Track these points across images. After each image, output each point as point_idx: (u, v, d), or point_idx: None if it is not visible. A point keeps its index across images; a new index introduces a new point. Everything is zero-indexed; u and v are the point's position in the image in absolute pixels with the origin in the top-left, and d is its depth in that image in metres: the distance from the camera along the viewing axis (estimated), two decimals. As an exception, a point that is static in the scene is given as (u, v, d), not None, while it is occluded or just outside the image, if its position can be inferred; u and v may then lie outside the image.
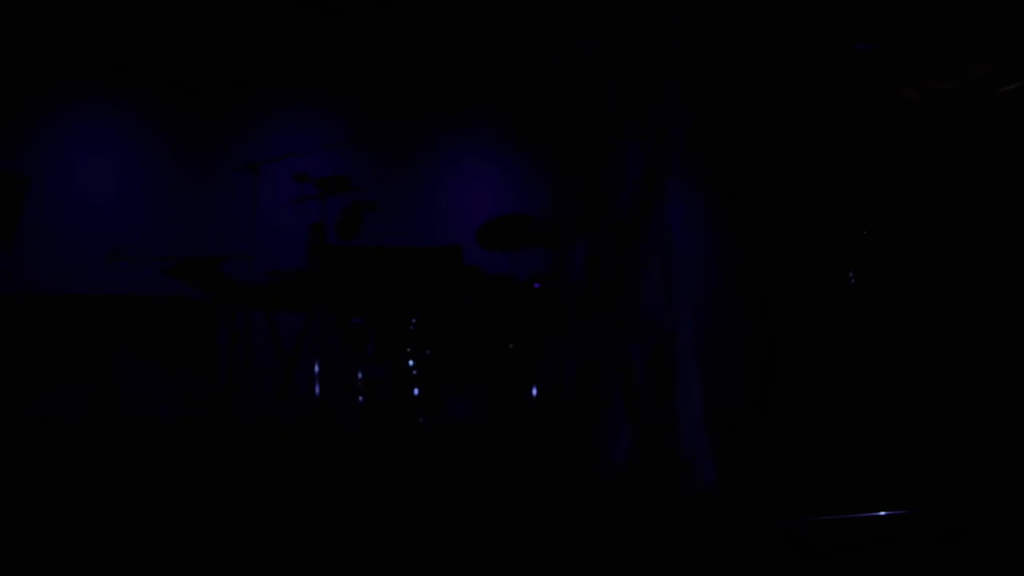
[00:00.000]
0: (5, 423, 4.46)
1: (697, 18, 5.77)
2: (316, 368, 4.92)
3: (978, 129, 6.12)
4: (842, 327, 4.39)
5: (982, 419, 5.24)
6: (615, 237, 3.99)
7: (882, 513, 3.39)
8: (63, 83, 6.06)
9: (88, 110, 6.14)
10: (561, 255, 5.02)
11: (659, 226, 4.19)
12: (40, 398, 4.64)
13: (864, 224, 4.48)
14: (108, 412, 4.59)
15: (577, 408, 4.55)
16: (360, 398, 4.85)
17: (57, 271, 5.68)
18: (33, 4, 5.81)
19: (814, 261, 4.41)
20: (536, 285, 5.05)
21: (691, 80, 6.52)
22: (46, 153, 5.98)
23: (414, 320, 4.98)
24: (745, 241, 6.89)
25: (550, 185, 5.02)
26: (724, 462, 4.16)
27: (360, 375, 4.88)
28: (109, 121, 6.20)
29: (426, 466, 4.36)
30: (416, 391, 4.90)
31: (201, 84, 6.30)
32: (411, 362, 4.92)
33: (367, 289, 4.90)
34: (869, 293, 4.52)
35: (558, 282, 4.89)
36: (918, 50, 6.05)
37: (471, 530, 3.17)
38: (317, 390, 4.93)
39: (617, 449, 3.79)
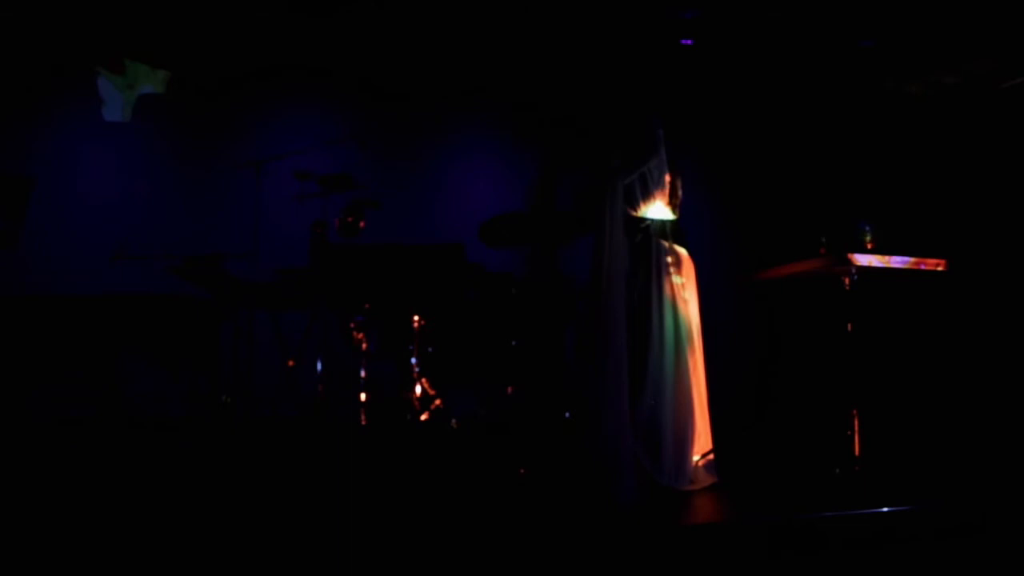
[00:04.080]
0: (13, 422, 4.48)
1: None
2: (319, 366, 4.93)
3: (982, 124, 6.11)
4: (843, 323, 4.38)
5: (982, 419, 5.24)
6: (619, 233, 3.97)
7: (885, 510, 3.39)
8: (66, 83, 6.07)
9: (91, 110, 6.14)
10: (547, 251, 5.02)
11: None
12: (46, 398, 4.65)
13: (866, 219, 4.47)
14: (114, 411, 4.61)
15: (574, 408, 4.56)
16: (363, 396, 4.86)
17: (61, 270, 5.68)
18: (35, 4, 5.81)
19: (816, 256, 4.41)
20: (537, 283, 5.05)
21: (695, 80, 6.53)
22: (50, 153, 5.98)
23: (417, 318, 4.98)
24: (748, 237, 6.89)
25: (537, 179, 5.02)
26: (726, 457, 4.17)
27: (363, 373, 4.89)
28: (119, 119, 6.20)
29: (429, 465, 4.37)
30: (419, 389, 4.91)
31: (204, 82, 6.30)
32: (413, 360, 4.93)
33: (369, 287, 4.90)
34: (871, 288, 4.51)
35: (548, 276, 4.90)
36: (921, 45, 6.04)
37: (471, 529, 3.18)
38: (320, 388, 4.93)
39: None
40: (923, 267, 4.42)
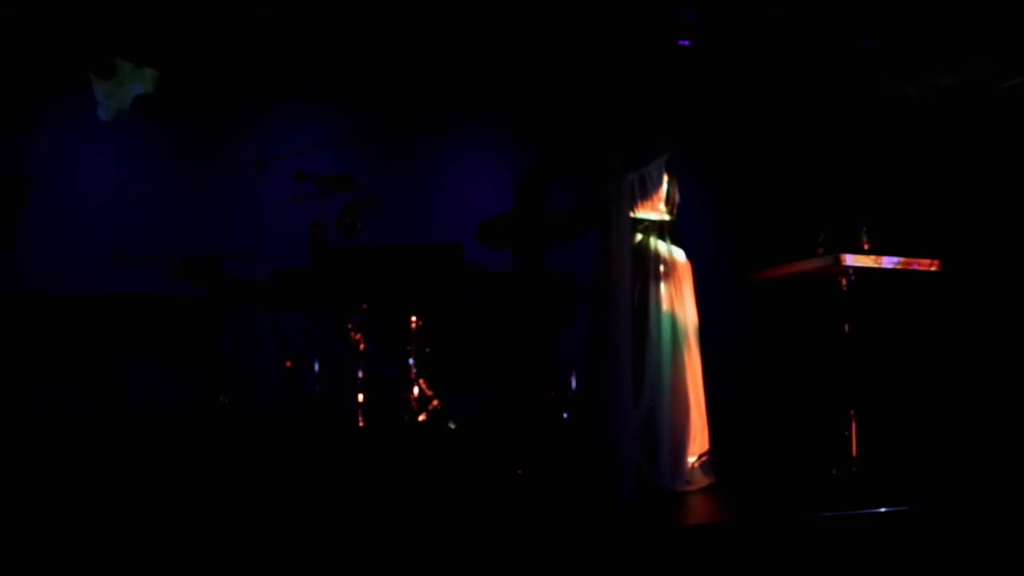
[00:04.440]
0: (13, 422, 4.49)
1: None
2: (317, 366, 4.93)
3: (978, 125, 6.11)
4: (841, 323, 4.39)
5: (979, 419, 5.24)
6: (624, 232, 3.97)
7: (882, 510, 3.40)
8: (66, 82, 6.07)
9: (90, 110, 6.14)
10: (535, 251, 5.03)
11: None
12: (47, 398, 4.66)
13: (864, 220, 4.48)
14: (114, 411, 4.62)
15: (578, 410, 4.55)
16: (361, 396, 4.86)
17: (61, 270, 5.68)
18: (35, 4, 5.81)
19: (814, 257, 4.43)
20: (536, 283, 5.05)
21: (695, 80, 6.53)
22: (49, 152, 5.98)
23: (415, 318, 4.98)
24: (747, 237, 6.89)
25: (524, 180, 5.03)
26: (724, 457, 4.18)
27: (361, 373, 4.89)
28: (111, 120, 6.20)
29: (427, 465, 4.37)
30: (416, 389, 4.91)
31: (203, 82, 6.30)
32: (411, 360, 4.93)
33: (367, 287, 4.91)
34: (869, 289, 4.52)
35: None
36: (918, 46, 6.04)
37: (469, 529, 3.18)
38: (318, 388, 4.94)
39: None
40: (915, 267, 4.43)
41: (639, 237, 4.09)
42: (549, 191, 5.53)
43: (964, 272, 5.08)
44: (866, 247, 4.39)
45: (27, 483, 3.83)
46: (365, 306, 4.95)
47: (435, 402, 4.91)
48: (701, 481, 3.98)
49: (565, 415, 4.71)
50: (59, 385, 4.65)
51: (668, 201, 4.22)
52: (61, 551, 2.86)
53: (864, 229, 4.40)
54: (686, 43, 6.18)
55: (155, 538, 2.99)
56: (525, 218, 4.99)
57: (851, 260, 4.29)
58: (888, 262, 4.37)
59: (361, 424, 4.81)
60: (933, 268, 4.47)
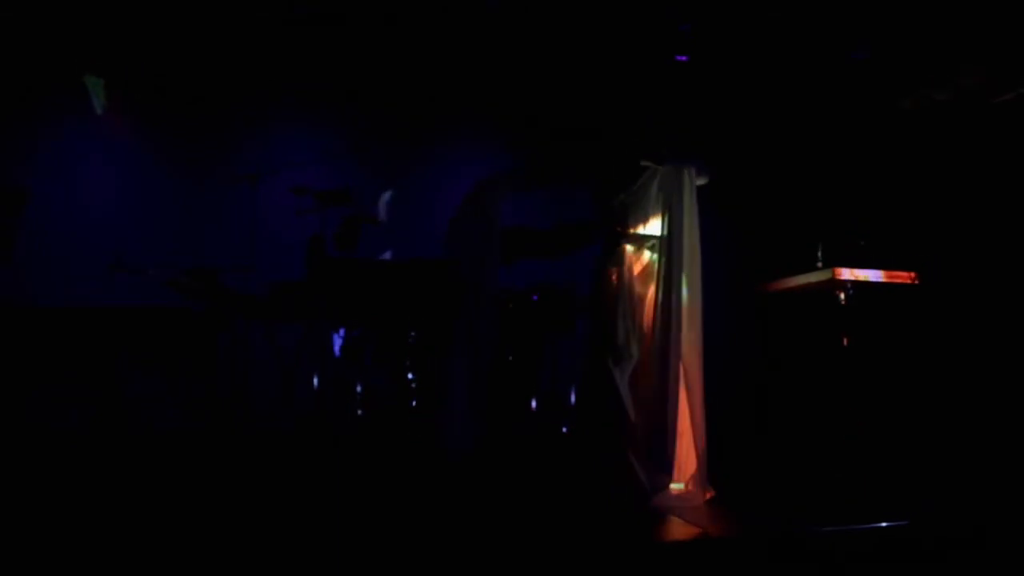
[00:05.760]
0: (13, 430, 4.48)
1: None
2: (315, 380, 4.91)
3: (973, 139, 6.14)
4: (839, 336, 4.40)
5: (979, 430, 5.23)
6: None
7: (883, 524, 3.39)
8: (64, 94, 6.06)
9: (89, 121, 6.13)
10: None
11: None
12: (49, 398, 4.65)
13: (861, 235, 4.50)
14: (114, 423, 4.61)
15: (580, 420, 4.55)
16: (359, 410, 4.84)
17: (58, 278, 5.65)
18: (34, 15, 5.82)
19: (813, 270, 4.44)
20: (535, 297, 5.05)
21: (697, 94, 6.56)
22: (47, 164, 5.98)
23: (413, 332, 4.97)
24: (747, 250, 6.89)
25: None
26: (724, 469, 4.17)
27: (359, 387, 4.88)
28: (110, 132, 6.20)
29: (425, 476, 4.36)
30: (415, 403, 4.90)
31: (202, 95, 6.30)
32: (410, 374, 4.92)
33: (365, 301, 4.90)
34: (867, 302, 4.54)
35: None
36: (912, 60, 6.08)
37: (468, 537, 3.18)
38: (315, 400, 4.92)
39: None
40: (897, 280, 4.50)
41: (635, 252, 4.09)
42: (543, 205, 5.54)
43: (940, 284, 5.10)
44: (861, 260, 4.42)
45: (26, 485, 3.83)
46: (364, 319, 4.94)
47: (432, 414, 4.89)
48: (699, 497, 3.97)
49: (564, 429, 4.70)
50: (59, 387, 4.64)
51: None
52: (61, 553, 2.86)
53: (862, 243, 4.44)
54: (683, 58, 6.20)
55: (149, 540, 3.00)
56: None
57: (847, 274, 4.32)
58: (873, 275, 4.42)
59: (358, 436, 4.79)
60: (910, 281, 4.52)
